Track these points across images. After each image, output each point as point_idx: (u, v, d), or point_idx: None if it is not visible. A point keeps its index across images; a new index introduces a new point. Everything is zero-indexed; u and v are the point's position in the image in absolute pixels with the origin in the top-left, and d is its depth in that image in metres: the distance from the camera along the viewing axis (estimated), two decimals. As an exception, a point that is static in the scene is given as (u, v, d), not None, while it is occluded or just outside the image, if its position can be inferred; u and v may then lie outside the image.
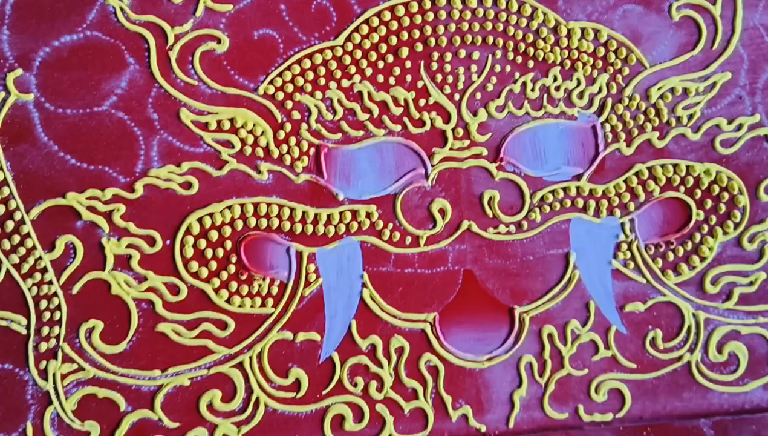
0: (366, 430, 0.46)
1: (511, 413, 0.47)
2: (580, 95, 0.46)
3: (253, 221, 0.45)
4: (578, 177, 0.47)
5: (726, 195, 0.46)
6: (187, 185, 0.44)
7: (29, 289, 0.43)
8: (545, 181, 0.47)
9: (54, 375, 0.43)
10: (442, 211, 0.46)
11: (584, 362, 0.47)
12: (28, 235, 0.43)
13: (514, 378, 0.47)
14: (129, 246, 0.43)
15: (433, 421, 0.46)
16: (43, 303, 0.43)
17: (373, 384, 0.46)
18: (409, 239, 0.46)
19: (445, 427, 0.46)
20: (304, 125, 0.45)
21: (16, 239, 0.43)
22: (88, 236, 0.43)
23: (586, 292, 0.47)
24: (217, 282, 0.44)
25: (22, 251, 0.43)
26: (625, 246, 0.47)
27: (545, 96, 0.46)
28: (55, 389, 0.43)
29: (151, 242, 0.43)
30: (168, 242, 0.44)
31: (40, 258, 0.43)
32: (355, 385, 0.45)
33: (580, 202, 0.47)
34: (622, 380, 0.47)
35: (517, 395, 0.47)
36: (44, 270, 0.43)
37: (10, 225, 0.43)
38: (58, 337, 0.43)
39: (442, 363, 0.46)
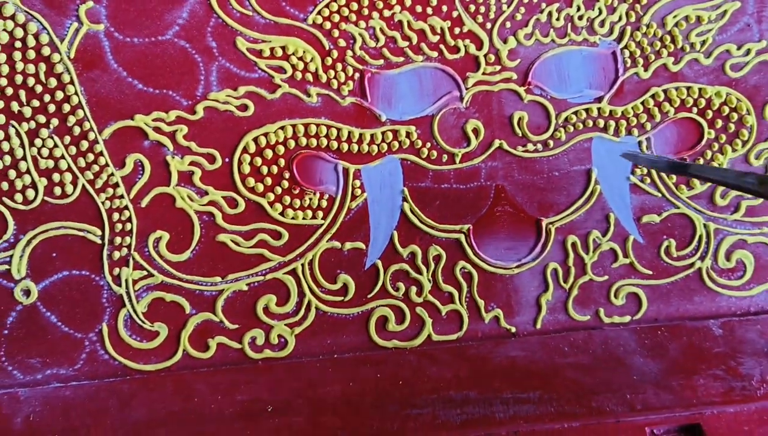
0: (407, 330, 0.51)
1: (538, 315, 0.52)
2: (602, 24, 0.51)
3: (303, 141, 0.49)
4: (599, 99, 0.51)
5: (735, 115, 0.51)
6: (244, 108, 0.48)
7: (103, 203, 0.48)
8: (569, 103, 0.51)
9: (126, 281, 0.48)
10: (476, 131, 0.51)
11: (604, 269, 0.52)
12: (101, 153, 0.48)
13: (540, 283, 0.52)
14: (191, 163, 0.47)
15: (467, 322, 0.52)
16: (116, 215, 0.48)
17: (413, 289, 0.50)
18: (445, 157, 0.50)
19: (478, 328, 0.52)
20: (349, 52, 0.50)
21: (91, 157, 0.48)
22: (154, 154, 0.47)
23: (606, 205, 0.52)
24: (271, 196, 0.48)
25: (96, 168, 0.48)
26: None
27: (569, 25, 0.51)
28: (128, 293, 0.48)
29: (212, 159, 0.48)
30: (227, 159, 0.48)
31: (112, 174, 0.48)
32: (397, 289, 0.50)
33: (601, 123, 0.51)
34: (638, 285, 0.52)
35: (544, 299, 0.52)
36: (116, 185, 0.47)
37: (84, 145, 0.48)
38: (129, 246, 0.48)
39: (475, 270, 0.51)
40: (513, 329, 0.52)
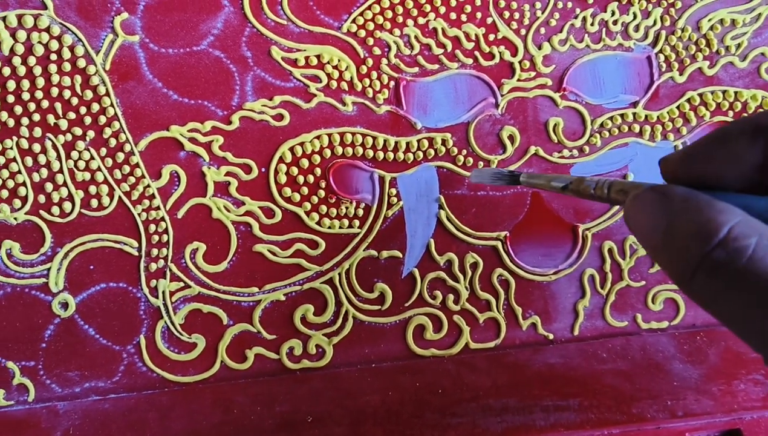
0: (444, 339, 0.55)
1: (576, 322, 0.57)
2: (636, 28, 0.56)
3: (339, 150, 0.51)
4: (634, 104, 0.56)
5: (771, 118, 0.57)
6: (279, 117, 0.51)
7: (139, 214, 0.51)
8: (604, 109, 0.56)
9: (163, 292, 0.50)
10: (512, 138, 0.53)
11: (641, 275, 0.57)
12: (137, 165, 0.50)
13: (577, 290, 0.56)
14: (227, 174, 0.50)
15: (505, 330, 0.56)
16: (152, 227, 0.50)
17: (451, 297, 0.53)
18: (481, 164, 0.53)
19: (516, 335, 0.56)
20: (384, 60, 0.54)
21: (127, 168, 0.51)
22: (190, 165, 0.50)
23: None
24: (308, 206, 0.51)
25: (132, 179, 0.50)
26: None
27: (604, 30, 0.56)
28: (165, 305, 0.50)
29: (248, 169, 0.50)
30: (263, 169, 0.50)
31: (148, 186, 0.50)
32: (434, 298, 0.53)
33: (637, 128, 0.56)
34: (676, 291, 0.57)
35: (581, 305, 0.56)
36: (152, 197, 0.50)
37: (120, 156, 0.52)
38: (166, 258, 0.50)
39: (512, 277, 0.56)
40: (551, 336, 0.56)
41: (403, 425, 0.50)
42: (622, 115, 0.56)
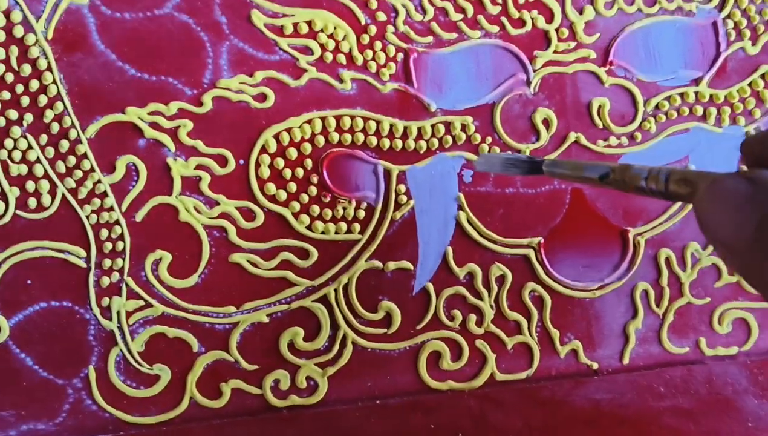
0: (465, 368, 0.51)
1: (626, 348, 0.52)
2: None
3: (335, 137, 0.48)
4: (697, 81, 0.52)
5: None
6: (262, 97, 0.47)
7: (87, 216, 0.47)
8: (660, 87, 0.51)
9: (118, 313, 0.46)
10: (546, 122, 0.50)
11: (706, 290, 0.52)
12: (84, 155, 0.46)
13: (628, 308, 0.52)
14: (198, 167, 0.47)
15: (539, 358, 0.51)
16: (104, 232, 0.46)
17: (472, 318, 0.50)
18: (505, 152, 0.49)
19: (552, 364, 0.51)
20: (390, 28, 0.49)
21: (72, 160, 0.46)
22: (151, 156, 0.46)
23: None
24: (296, 206, 0.48)
25: (79, 173, 0.46)
26: None
27: None
28: (120, 328, 0.47)
29: (223, 162, 0.47)
30: (241, 161, 0.47)
31: (99, 181, 0.46)
32: (452, 319, 0.50)
33: (700, 110, 0.52)
34: (747, 309, 0.53)
35: (632, 327, 0.52)
36: (104, 195, 0.46)
37: (65, 145, 0.46)
38: (121, 270, 0.46)
39: (547, 293, 0.51)
40: (595, 366, 0.52)
41: (415, 480, 0.45)
42: (681, 95, 0.52)
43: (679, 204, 0.50)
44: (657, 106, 0.51)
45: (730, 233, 0.25)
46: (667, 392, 0.51)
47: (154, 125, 0.46)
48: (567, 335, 0.52)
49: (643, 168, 0.31)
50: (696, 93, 0.51)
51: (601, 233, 0.51)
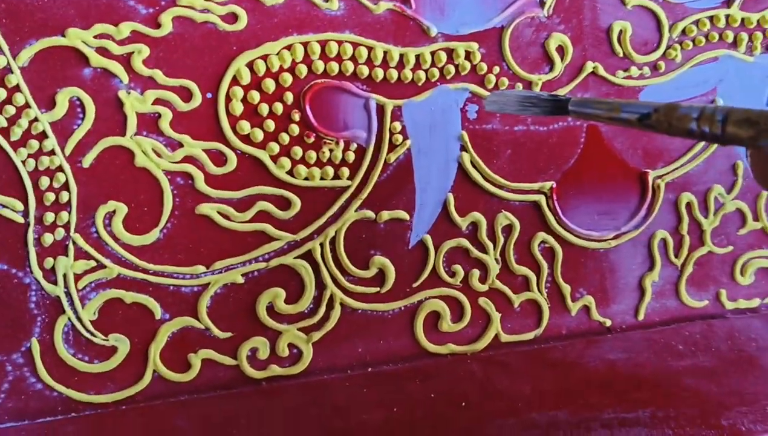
0: (467, 330, 0.48)
1: (641, 302, 0.50)
2: None
3: (320, 66, 0.44)
4: (728, 2, 0.49)
5: None
6: (232, 18, 0.43)
7: (24, 162, 0.42)
8: (687, 9, 0.48)
9: (65, 276, 0.43)
10: (561, 50, 0.47)
11: (728, 238, 0.50)
12: (17, 88, 0.41)
13: (645, 259, 0.50)
14: (156, 102, 0.43)
15: (548, 316, 0.49)
16: (44, 181, 0.42)
17: (475, 273, 0.48)
18: (520, 87, 0.47)
19: (562, 322, 0.49)
20: None
21: (2, 93, 0.41)
22: (100, 89, 0.42)
23: (733, 150, 0.49)
24: (275, 147, 0.44)
25: (11, 110, 0.42)
26: None
27: None
28: (68, 293, 0.43)
29: (186, 95, 0.43)
30: (208, 95, 0.43)
31: (36, 120, 0.42)
32: (453, 275, 0.47)
33: (730, 36, 0.49)
34: None
35: (649, 280, 0.50)
36: (42, 136, 0.42)
37: None
38: (67, 226, 0.43)
39: (559, 244, 0.48)
40: (608, 322, 0.50)
41: (414, 453, 0.43)
42: (711, 19, 0.48)
43: (703, 143, 0.48)
44: (684, 32, 0.48)
45: None
46: (686, 350, 0.49)
47: (102, 51, 0.42)
48: (579, 290, 0.49)
49: (692, 107, 0.28)
50: (727, 16, 0.48)
51: (619, 176, 0.49)
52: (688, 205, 0.49)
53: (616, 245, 0.49)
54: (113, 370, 0.44)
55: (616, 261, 0.49)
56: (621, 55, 0.48)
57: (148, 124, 0.43)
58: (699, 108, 0.28)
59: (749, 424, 0.44)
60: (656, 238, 0.49)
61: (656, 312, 0.50)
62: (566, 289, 0.49)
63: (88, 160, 0.43)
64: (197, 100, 0.43)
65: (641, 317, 0.50)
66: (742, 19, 0.48)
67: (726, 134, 0.27)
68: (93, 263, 0.43)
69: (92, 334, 0.44)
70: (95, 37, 0.42)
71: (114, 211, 0.43)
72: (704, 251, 0.50)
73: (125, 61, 0.42)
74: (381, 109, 0.45)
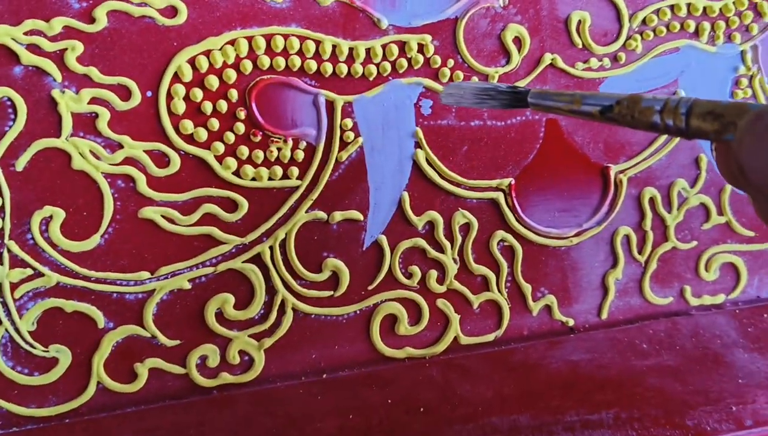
0: (425, 333, 0.47)
1: (605, 301, 0.49)
2: None
3: (266, 61, 0.43)
4: None
5: None
6: (171, 12, 0.41)
7: None
8: None
9: (0, 285, 0.41)
10: (518, 41, 0.46)
11: (692, 233, 0.50)
12: None
13: (607, 257, 0.49)
14: (93, 101, 0.41)
15: (508, 317, 0.48)
16: None
17: (433, 274, 0.46)
18: (475, 80, 0.45)
19: (523, 323, 0.48)
20: None
21: None
22: (32, 88, 0.40)
23: (696, 143, 0.48)
24: (220, 147, 0.43)
25: None
26: (745, 81, 0.48)
27: None
28: (4, 303, 0.42)
29: (125, 94, 0.41)
30: (148, 93, 0.42)
31: None
32: (410, 276, 0.46)
33: (692, 25, 0.47)
34: (737, 253, 0.50)
35: (612, 278, 0.49)
36: None
37: None
38: (0, 232, 0.41)
39: (519, 242, 0.47)
40: (571, 322, 0.49)
41: (371, 462, 0.42)
42: (672, 8, 0.47)
43: (665, 137, 0.47)
44: (644, 21, 0.47)
45: None
46: (650, 349, 0.48)
47: (33, 48, 0.40)
48: (540, 289, 0.48)
49: (657, 99, 0.27)
50: (688, 5, 0.47)
51: (580, 172, 0.47)
52: (651, 200, 0.48)
53: (578, 243, 0.48)
54: (55, 382, 0.43)
55: (578, 259, 0.48)
56: (580, 46, 0.47)
57: (85, 124, 0.41)
58: (662, 100, 0.27)
59: (714, 423, 0.43)
60: (619, 234, 0.48)
61: (620, 311, 0.49)
62: (527, 288, 0.48)
63: (21, 164, 0.41)
64: (136, 98, 0.42)
65: (605, 315, 0.49)
66: (704, 8, 0.47)
67: (690, 128, 0.26)
68: (30, 271, 0.42)
69: (31, 345, 0.42)
70: (25, 33, 0.40)
71: (51, 217, 0.41)
72: (668, 246, 0.49)
73: (58, 58, 0.40)
74: (331, 105, 0.44)
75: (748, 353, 0.48)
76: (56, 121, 0.41)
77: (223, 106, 0.42)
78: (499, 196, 0.46)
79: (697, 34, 0.48)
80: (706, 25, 0.47)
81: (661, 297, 0.50)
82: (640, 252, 0.49)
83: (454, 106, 0.44)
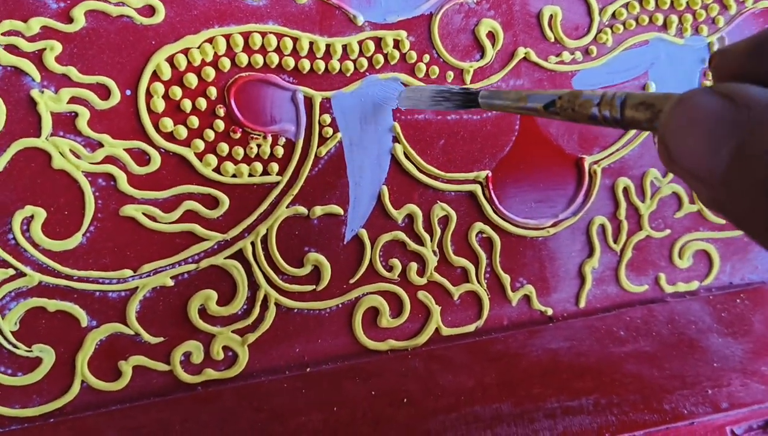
0: (407, 325, 0.47)
1: (582, 290, 0.49)
2: None
3: (243, 59, 0.43)
4: None
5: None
6: (149, 11, 0.41)
7: None
8: None
9: None
10: (492, 36, 0.46)
11: (665, 221, 0.50)
12: None
13: (584, 246, 0.49)
14: (72, 100, 0.41)
15: (488, 307, 0.48)
16: None
17: (413, 267, 0.46)
18: (451, 75, 0.46)
19: (503, 313, 0.48)
20: None
21: None
22: (10, 89, 0.40)
23: None
24: (200, 144, 0.43)
25: None
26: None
27: None
28: None
29: (104, 93, 0.41)
30: (128, 92, 0.41)
31: None
32: (391, 269, 0.46)
33: (660, 18, 0.48)
34: (709, 240, 0.51)
35: (588, 267, 0.49)
36: None
37: None
38: None
39: (497, 234, 0.47)
40: (549, 311, 0.49)
41: (356, 454, 0.42)
42: (640, 1, 0.48)
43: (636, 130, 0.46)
44: (614, 15, 0.47)
45: (701, 161, 0.22)
46: (627, 336, 0.48)
47: (11, 48, 0.40)
48: (519, 279, 0.48)
49: (594, 93, 0.28)
50: None
51: (555, 163, 0.48)
52: (625, 190, 0.49)
53: (555, 233, 0.48)
54: (39, 382, 0.42)
55: (555, 249, 0.48)
56: (552, 40, 0.47)
57: (65, 124, 0.41)
58: (600, 94, 0.28)
59: (691, 407, 0.44)
60: (594, 224, 0.49)
61: (597, 299, 0.49)
62: (506, 279, 0.48)
63: (1, 164, 0.40)
64: (116, 97, 0.41)
65: (582, 304, 0.49)
66: (672, 1, 0.48)
67: (624, 118, 0.26)
68: (12, 272, 0.41)
69: (14, 345, 0.42)
70: (3, 34, 0.40)
71: (32, 217, 0.41)
72: (642, 235, 0.49)
73: (37, 58, 0.40)
74: (309, 101, 0.44)
75: (722, 337, 0.48)
76: (36, 121, 0.41)
77: (202, 103, 0.42)
78: (477, 189, 0.46)
79: (665, 26, 0.48)
80: (674, 18, 0.48)
81: (637, 285, 0.50)
82: (615, 241, 0.49)
83: (401, 107, 0.44)
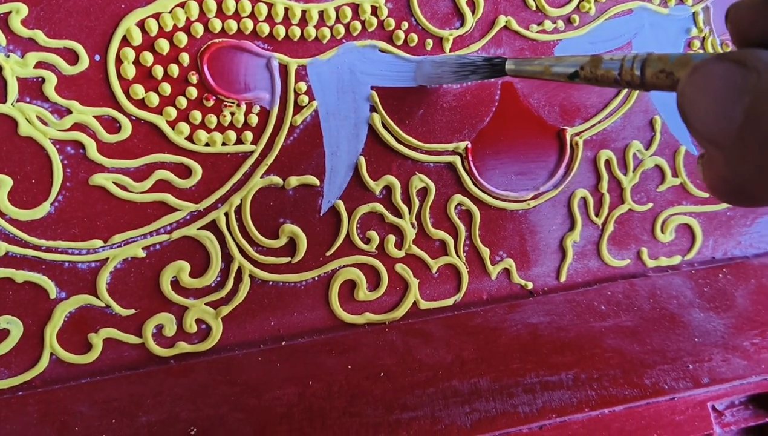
0: (384, 298, 0.46)
1: (563, 264, 0.49)
2: None
3: (217, 24, 0.42)
4: None
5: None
6: None
7: None
8: None
9: None
10: (472, 3, 0.45)
11: (648, 195, 0.49)
12: None
13: (564, 220, 0.48)
14: (39, 65, 0.40)
15: (467, 281, 0.47)
16: None
17: (391, 239, 0.46)
18: (430, 43, 0.45)
19: (482, 287, 0.48)
20: None
21: None
22: None
23: (650, 105, 0.48)
24: (172, 112, 0.42)
25: None
26: (697, 43, 0.48)
27: None
28: None
29: (72, 58, 0.40)
30: (97, 57, 0.41)
31: None
32: (368, 242, 0.46)
33: None
34: (692, 214, 0.50)
35: (570, 240, 0.48)
36: None
37: None
38: None
39: (476, 206, 0.47)
40: (529, 285, 0.48)
41: (332, 429, 0.41)
42: None
43: (620, 99, 0.46)
44: None
45: (716, 124, 0.23)
46: (608, 311, 0.48)
47: None
48: (498, 253, 0.47)
49: (614, 59, 0.29)
50: None
51: (536, 134, 0.47)
52: (607, 162, 0.48)
53: (535, 206, 0.47)
54: (7, 354, 0.42)
55: (535, 222, 0.48)
56: (534, 8, 0.46)
57: (31, 89, 0.40)
58: (619, 59, 0.28)
59: (671, 382, 0.43)
60: (576, 197, 0.48)
61: (578, 273, 0.49)
62: (485, 252, 0.47)
63: (-34, 131, 0.39)
64: (84, 62, 0.41)
65: (563, 278, 0.49)
66: (656, -32, 0.46)
67: (645, 82, 0.27)
68: (-23, 241, 0.40)
69: (-20, 317, 0.40)
70: (-33, -5, 0.38)
71: (-2, 185, 0.40)
72: (624, 208, 0.49)
73: (2, 21, 0.39)
74: (284, 68, 0.43)
75: (704, 312, 0.47)
76: (1, 86, 0.40)
77: (174, 70, 0.41)
78: (456, 160, 0.46)
79: (649, -5, 0.47)
80: (659, -14, 0.46)
81: (619, 259, 0.49)
82: (597, 214, 0.48)
83: (418, 84, 0.43)
